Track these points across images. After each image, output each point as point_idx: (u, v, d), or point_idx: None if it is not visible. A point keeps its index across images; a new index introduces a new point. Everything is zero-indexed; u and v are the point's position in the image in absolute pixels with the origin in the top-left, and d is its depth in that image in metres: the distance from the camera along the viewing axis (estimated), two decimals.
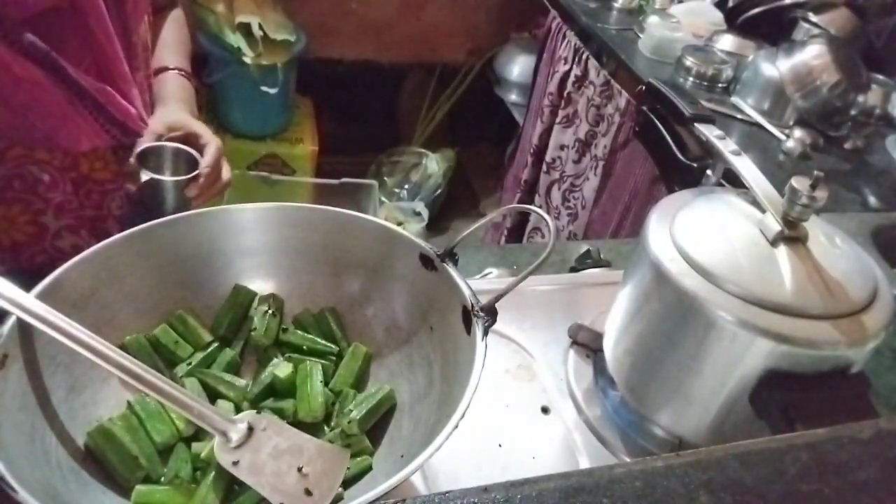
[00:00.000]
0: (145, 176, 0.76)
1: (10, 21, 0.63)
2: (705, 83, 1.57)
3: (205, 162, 0.79)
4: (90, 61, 0.71)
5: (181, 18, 0.98)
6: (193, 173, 0.78)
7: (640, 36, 1.75)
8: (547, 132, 2.01)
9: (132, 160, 0.77)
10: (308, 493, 0.50)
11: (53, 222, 0.78)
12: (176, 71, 0.92)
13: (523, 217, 2.14)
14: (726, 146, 0.67)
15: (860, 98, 1.45)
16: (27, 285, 0.51)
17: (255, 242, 0.66)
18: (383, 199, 2.39)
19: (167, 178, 0.78)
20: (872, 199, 1.29)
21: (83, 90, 0.70)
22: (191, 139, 0.81)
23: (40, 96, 0.67)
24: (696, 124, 0.72)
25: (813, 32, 1.58)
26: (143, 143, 0.77)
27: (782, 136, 1.41)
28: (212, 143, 0.82)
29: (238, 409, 0.59)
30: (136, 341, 0.60)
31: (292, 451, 0.52)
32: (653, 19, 1.72)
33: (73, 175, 0.78)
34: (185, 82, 0.93)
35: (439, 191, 2.52)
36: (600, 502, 0.33)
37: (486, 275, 0.86)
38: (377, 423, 0.59)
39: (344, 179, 2.11)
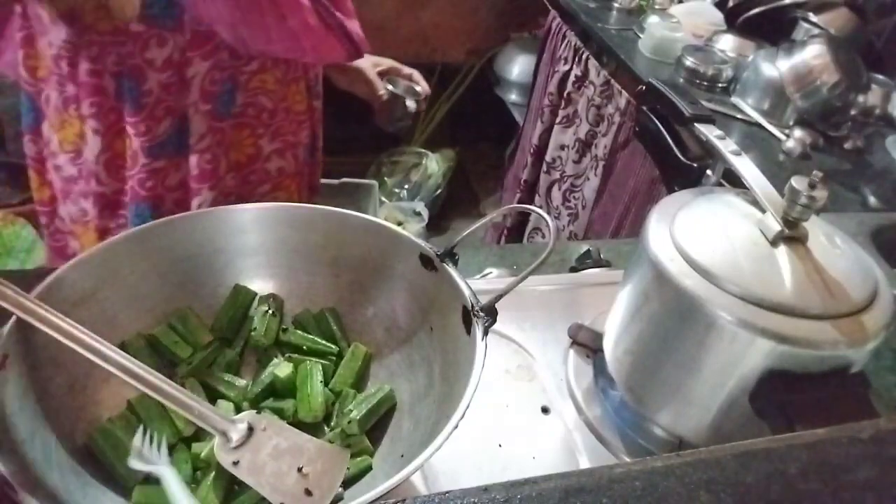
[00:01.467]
0: (399, 95, 1.09)
1: None
2: (705, 83, 1.57)
3: (425, 86, 1.13)
4: None
5: None
6: (421, 96, 1.12)
7: (640, 36, 1.75)
8: (547, 132, 2.01)
9: (388, 86, 1.07)
10: (308, 493, 0.50)
11: (267, 146, 0.92)
12: None
13: (523, 217, 2.14)
14: (726, 146, 0.67)
15: (860, 98, 1.45)
16: (27, 285, 0.51)
17: (255, 242, 0.66)
18: (383, 199, 2.39)
19: (410, 98, 1.10)
20: (872, 199, 1.29)
21: (333, 16, 0.83)
22: (391, 71, 1.11)
23: (308, 21, 0.80)
24: (696, 124, 0.72)
25: (813, 32, 1.58)
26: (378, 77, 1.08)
27: (782, 136, 1.41)
28: (414, 72, 1.13)
29: (238, 409, 0.59)
30: (136, 341, 0.60)
31: (292, 451, 0.52)
32: (653, 19, 1.72)
33: (284, 105, 0.91)
34: None
35: (439, 191, 2.52)
36: (600, 502, 0.33)
37: (486, 275, 0.86)
38: (377, 423, 0.59)
39: (344, 179, 2.11)
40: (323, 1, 0.82)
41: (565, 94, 1.91)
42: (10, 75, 0.86)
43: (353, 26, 0.87)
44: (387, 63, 1.11)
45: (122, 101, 0.80)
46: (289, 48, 0.83)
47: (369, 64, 1.06)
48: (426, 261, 0.62)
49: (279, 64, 0.88)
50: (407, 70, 1.13)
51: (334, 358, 0.64)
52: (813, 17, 1.61)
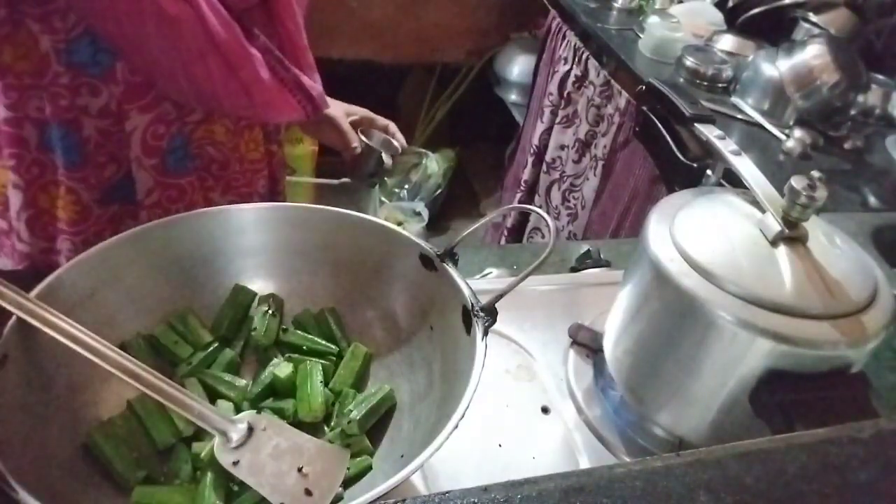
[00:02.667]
0: (375, 149, 1.02)
1: (234, 11, 0.70)
2: (705, 83, 1.57)
3: (402, 141, 1.05)
4: (280, 49, 0.77)
5: None
6: (399, 151, 1.05)
7: (640, 36, 1.75)
8: (547, 132, 2.01)
9: (362, 137, 1.00)
10: (308, 493, 0.50)
11: (219, 199, 0.86)
12: None
13: (523, 217, 2.14)
14: (726, 146, 0.67)
15: (860, 98, 1.45)
16: (27, 285, 0.51)
17: (255, 242, 0.66)
18: (383, 199, 2.39)
19: (385, 152, 1.03)
20: (872, 199, 1.29)
21: (287, 69, 0.76)
22: (364, 121, 1.03)
23: (260, 74, 0.73)
24: (696, 124, 0.72)
25: (813, 32, 1.58)
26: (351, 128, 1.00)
27: (782, 136, 1.41)
28: (390, 124, 1.06)
29: (238, 409, 0.59)
30: (136, 341, 0.60)
31: (292, 451, 0.52)
32: (653, 19, 1.72)
33: (237, 155, 0.85)
34: None
35: (439, 191, 2.52)
36: (600, 502, 0.33)
37: (486, 275, 0.86)
38: (377, 423, 0.59)
39: (344, 179, 2.10)
40: (276, 54, 0.75)
41: (565, 94, 1.91)
42: None
43: (311, 81, 0.80)
44: (360, 112, 1.04)
45: (50, 153, 0.73)
46: (238, 105, 0.75)
47: (341, 112, 0.99)
48: (426, 261, 0.62)
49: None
50: (382, 121, 1.06)
51: (334, 358, 0.64)
52: (813, 17, 1.61)
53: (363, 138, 1.00)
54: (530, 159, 2.09)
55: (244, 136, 0.85)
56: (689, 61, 1.58)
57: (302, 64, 0.79)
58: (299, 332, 0.65)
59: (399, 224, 1.81)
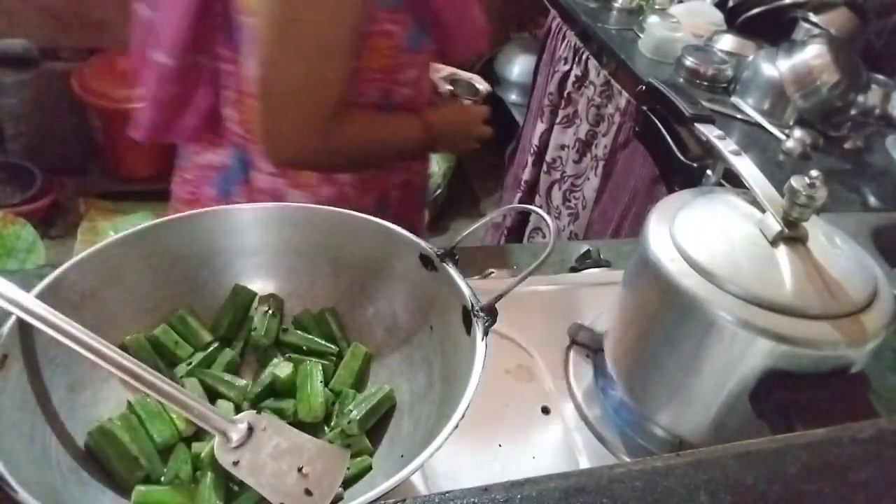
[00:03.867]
0: (460, 96, 1.09)
1: None
2: (705, 83, 1.57)
3: (485, 86, 1.13)
4: None
5: None
6: (483, 94, 1.10)
7: (640, 36, 1.75)
8: (547, 132, 2.01)
9: (448, 85, 1.10)
10: (308, 493, 0.50)
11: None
12: None
13: (523, 217, 2.14)
14: (726, 146, 0.67)
15: (860, 98, 1.45)
16: (27, 285, 0.51)
17: (255, 242, 0.66)
18: None
19: (472, 97, 1.10)
20: (872, 199, 1.29)
21: (482, 17, 0.93)
22: (451, 75, 1.13)
23: (483, 24, 0.93)
24: (696, 124, 0.72)
25: (813, 32, 1.58)
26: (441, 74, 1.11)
27: (782, 136, 1.41)
28: (475, 76, 1.16)
29: (238, 409, 0.59)
30: (136, 341, 0.60)
31: (292, 451, 0.52)
32: (653, 19, 1.72)
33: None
34: None
35: (439, 191, 2.52)
36: (600, 502, 0.33)
37: (486, 275, 0.86)
38: (377, 423, 0.59)
39: None
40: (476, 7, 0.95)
41: (565, 94, 1.91)
42: (182, 140, 0.93)
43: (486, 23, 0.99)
44: (447, 70, 1.14)
45: None
46: (477, 47, 0.97)
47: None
48: (426, 261, 0.62)
49: None
50: (467, 74, 1.18)
51: (334, 358, 0.64)
52: (813, 17, 1.61)
53: (448, 87, 1.11)
54: (530, 159, 2.09)
55: None
56: (689, 61, 1.58)
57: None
58: (299, 332, 0.65)
59: None
